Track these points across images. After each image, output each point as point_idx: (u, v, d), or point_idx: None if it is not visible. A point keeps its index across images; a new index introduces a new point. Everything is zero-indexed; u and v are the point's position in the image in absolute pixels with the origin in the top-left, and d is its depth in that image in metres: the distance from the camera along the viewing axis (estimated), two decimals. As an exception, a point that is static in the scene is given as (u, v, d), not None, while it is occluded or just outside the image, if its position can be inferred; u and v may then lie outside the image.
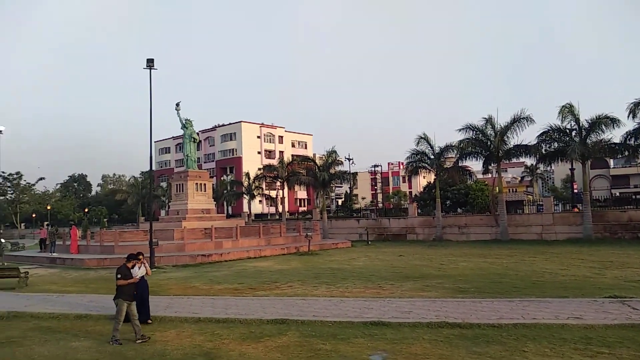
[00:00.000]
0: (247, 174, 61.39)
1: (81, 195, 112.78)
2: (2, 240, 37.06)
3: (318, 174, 45.06)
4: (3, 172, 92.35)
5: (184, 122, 38.92)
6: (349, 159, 62.10)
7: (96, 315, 11.86)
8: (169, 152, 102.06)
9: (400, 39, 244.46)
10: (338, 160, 46.90)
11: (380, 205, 71.71)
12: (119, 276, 9.33)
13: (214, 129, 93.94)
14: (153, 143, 33.36)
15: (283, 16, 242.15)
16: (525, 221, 37.18)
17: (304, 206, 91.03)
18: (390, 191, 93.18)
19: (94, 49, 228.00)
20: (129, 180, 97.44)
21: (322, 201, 47.76)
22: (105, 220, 77.44)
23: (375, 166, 77.02)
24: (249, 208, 60.34)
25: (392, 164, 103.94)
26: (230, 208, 72.47)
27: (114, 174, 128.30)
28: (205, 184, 39.33)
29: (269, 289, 15.96)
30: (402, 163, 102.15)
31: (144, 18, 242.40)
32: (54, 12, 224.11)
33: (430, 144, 39.95)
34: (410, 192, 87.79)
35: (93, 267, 25.23)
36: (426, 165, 40.87)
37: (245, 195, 61.36)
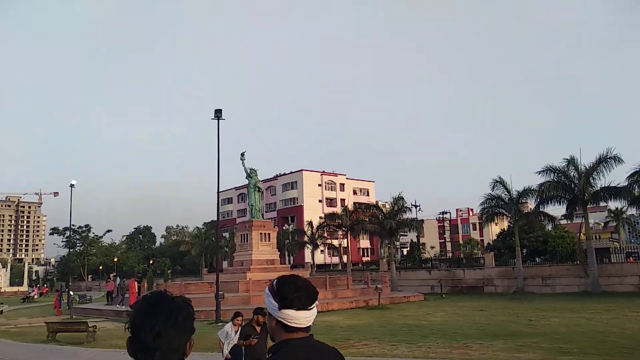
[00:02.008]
0: (310, 223, 61.18)
1: (146, 247, 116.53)
2: (71, 293, 38.22)
3: (385, 222, 44.02)
4: (74, 225, 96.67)
5: (248, 171, 39.39)
6: (416, 206, 60.71)
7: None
8: (231, 203, 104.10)
9: (469, 80, 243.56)
10: (405, 207, 45.76)
11: (449, 254, 69.08)
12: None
13: (275, 178, 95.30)
14: (217, 192, 33.77)
15: (340, 64, 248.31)
16: (619, 271, 34.23)
17: (368, 256, 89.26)
18: (460, 239, 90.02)
19: (153, 103, 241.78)
20: (192, 231, 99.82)
21: (390, 251, 46.53)
22: (169, 272, 78.96)
23: (443, 213, 74.92)
24: (312, 258, 59.70)
25: (460, 210, 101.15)
26: (292, 258, 72.13)
27: (177, 225, 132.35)
28: (269, 234, 39.22)
29: (343, 347, 15.09)
30: (472, 209, 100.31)
31: (205, 66, 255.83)
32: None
33: (506, 188, 38.26)
34: (482, 241, 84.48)
35: (159, 320, 25.18)
36: (503, 211, 39.10)
37: (308, 245, 60.89)
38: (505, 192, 38.58)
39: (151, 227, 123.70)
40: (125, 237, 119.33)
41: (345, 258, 59.01)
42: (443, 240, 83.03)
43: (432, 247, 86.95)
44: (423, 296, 35.36)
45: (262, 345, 7.81)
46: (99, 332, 19.66)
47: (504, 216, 40.48)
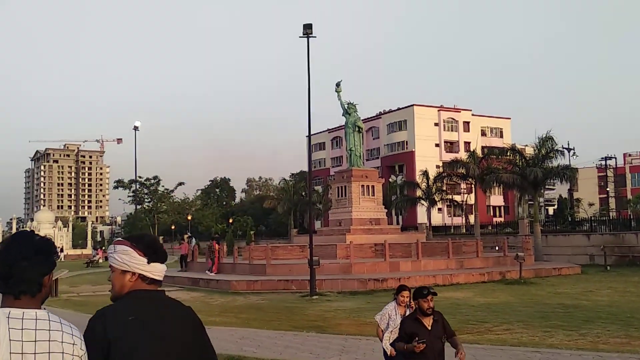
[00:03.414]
0: (425, 173, 60.13)
1: (224, 202, 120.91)
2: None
3: (527, 170, 42.05)
4: (140, 177, 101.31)
5: (346, 106, 39.03)
6: (569, 149, 57.30)
7: (252, 357, 11.64)
8: (324, 149, 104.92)
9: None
10: (555, 151, 43.17)
11: (613, 214, 65.28)
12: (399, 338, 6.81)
13: (378, 116, 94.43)
14: (307, 136, 33.77)
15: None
16: None
17: (500, 216, 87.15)
18: (628, 194, 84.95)
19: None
20: (278, 184, 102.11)
21: (535, 208, 44.84)
22: (252, 232, 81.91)
23: (605, 159, 70.42)
24: (428, 218, 58.92)
25: (630, 155, 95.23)
26: (401, 218, 71.90)
27: (260, 178, 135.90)
28: (373, 186, 39.11)
29: (476, 331, 14.73)
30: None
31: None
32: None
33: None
34: (659, 195, 79.21)
35: (241, 291, 26.04)
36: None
37: (422, 202, 60.10)
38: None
39: (229, 180, 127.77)
40: (199, 192, 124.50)
41: (472, 218, 57.67)
42: (605, 196, 78.69)
43: (590, 205, 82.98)
44: (580, 268, 34.33)
45: (434, 350, 6.13)
46: (172, 303, 20.49)
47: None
